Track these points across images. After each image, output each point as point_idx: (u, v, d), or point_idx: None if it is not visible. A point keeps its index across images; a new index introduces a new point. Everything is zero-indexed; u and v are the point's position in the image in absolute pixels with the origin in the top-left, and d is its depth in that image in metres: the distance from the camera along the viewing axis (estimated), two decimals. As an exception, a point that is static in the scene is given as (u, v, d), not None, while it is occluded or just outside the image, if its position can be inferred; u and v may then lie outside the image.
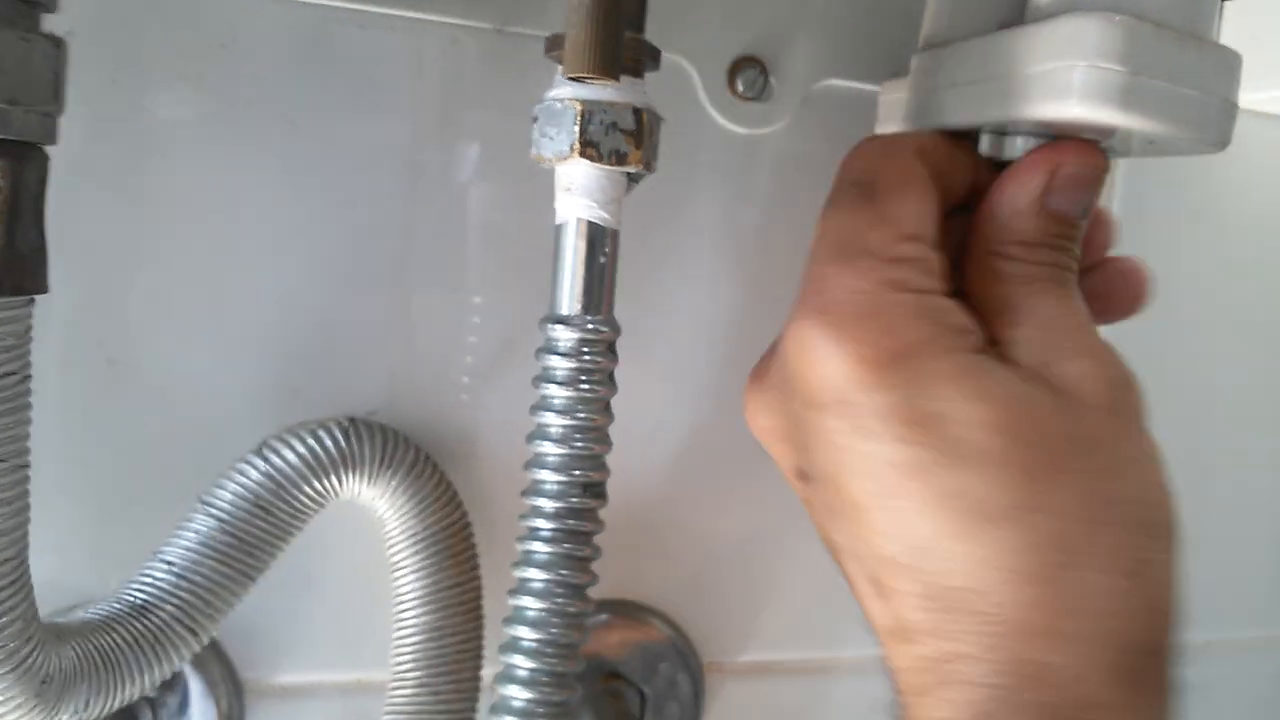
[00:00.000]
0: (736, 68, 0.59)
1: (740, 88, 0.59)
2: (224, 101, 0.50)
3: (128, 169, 0.49)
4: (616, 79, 0.40)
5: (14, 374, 0.37)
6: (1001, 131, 0.50)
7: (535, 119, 0.44)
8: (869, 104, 0.59)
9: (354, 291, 0.54)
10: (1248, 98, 0.47)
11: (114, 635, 0.41)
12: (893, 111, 0.56)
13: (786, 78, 0.59)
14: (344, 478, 0.48)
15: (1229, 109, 0.45)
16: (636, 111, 0.43)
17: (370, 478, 0.49)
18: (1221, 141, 0.45)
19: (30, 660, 0.37)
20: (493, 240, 0.56)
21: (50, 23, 0.38)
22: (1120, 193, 0.68)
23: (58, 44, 0.37)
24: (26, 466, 0.38)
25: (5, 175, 0.36)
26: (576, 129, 0.43)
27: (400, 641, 0.50)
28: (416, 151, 0.54)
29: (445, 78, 0.54)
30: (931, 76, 0.52)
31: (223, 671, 0.51)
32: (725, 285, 0.60)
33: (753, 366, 0.48)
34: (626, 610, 0.58)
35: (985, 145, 0.51)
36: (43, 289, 0.38)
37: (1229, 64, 0.45)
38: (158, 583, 0.43)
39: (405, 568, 0.50)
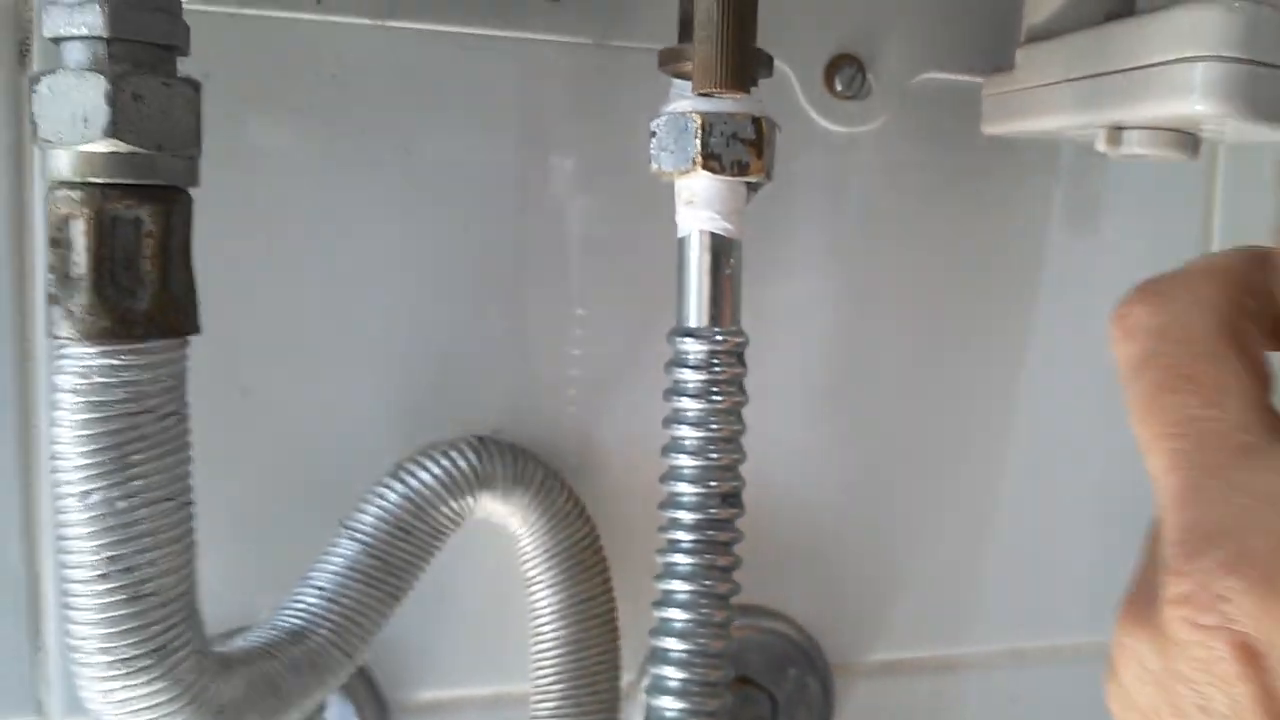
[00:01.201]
0: (834, 66, 0.58)
1: (838, 86, 0.58)
2: (337, 131, 0.51)
3: (249, 201, 0.50)
4: (748, 92, 0.40)
5: (174, 414, 0.38)
6: (1119, 127, 0.49)
7: (653, 133, 0.45)
8: (970, 96, 0.58)
9: (471, 311, 0.54)
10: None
11: (275, 661, 0.42)
12: (999, 108, 0.56)
13: (884, 74, 0.59)
14: (478, 496, 0.49)
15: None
16: (755, 121, 0.44)
17: (503, 495, 0.49)
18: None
19: (206, 691, 0.38)
20: (595, 252, 0.56)
21: (184, 65, 0.39)
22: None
23: (196, 88, 0.38)
24: (191, 504, 0.39)
25: (155, 220, 0.37)
26: (698, 142, 0.43)
27: (540, 655, 0.51)
28: (524, 168, 0.54)
29: (548, 94, 0.54)
30: (1039, 72, 0.52)
31: (368, 692, 0.52)
32: (830, 286, 0.60)
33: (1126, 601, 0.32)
34: (753, 614, 0.59)
35: (1100, 144, 0.50)
36: (196, 329, 0.39)
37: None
38: (310, 608, 0.45)
39: (540, 582, 0.50)
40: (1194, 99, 0.43)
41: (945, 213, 0.62)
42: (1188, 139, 0.50)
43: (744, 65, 0.37)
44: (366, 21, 0.50)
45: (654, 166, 0.45)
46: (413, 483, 0.48)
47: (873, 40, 0.59)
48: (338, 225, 0.52)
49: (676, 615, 0.43)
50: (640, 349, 0.57)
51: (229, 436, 0.50)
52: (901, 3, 0.59)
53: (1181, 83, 0.44)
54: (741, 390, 0.46)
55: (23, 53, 0.47)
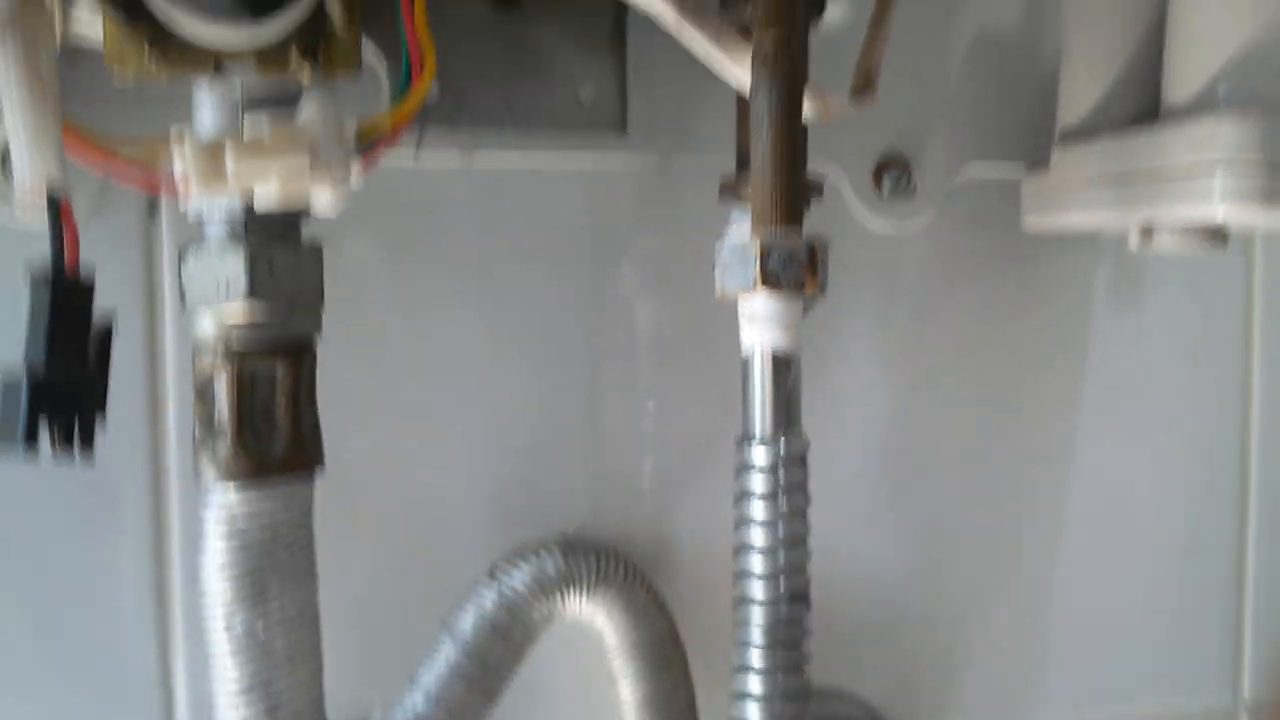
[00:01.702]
0: (881, 169, 0.62)
1: (886, 187, 0.62)
2: (425, 259, 0.56)
3: (352, 328, 0.55)
4: (800, 224, 0.44)
5: (304, 543, 0.42)
6: (1150, 226, 0.53)
7: (716, 256, 0.49)
8: (1013, 188, 0.62)
9: (551, 417, 0.59)
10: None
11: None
12: (1038, 204, 0.59)
13: (929, 171, 0.63)
14: (566, 596, 0.53)
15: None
16: (811, 245, 0.48)
17: (589, 593, 0.53)
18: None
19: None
20: (664, 355, 0.60)
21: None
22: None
23: (318, 249, 0.42)
24: (319, 620, 0.43)
25: (288, 373, 0.41)
26: (757, 266, 0.47)
27: (629, 745, 0.54)
28: (596, 283, 0.59)
29: (617, 213, 0.59)
30: (1074, 171, 0.56)
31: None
32: (885, 378, 0.64)
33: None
34: (821, 697, 0.61)
35: (1133, 242, 0.53)
36: (322, 463, 0.43)
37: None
38: (417, 708, 0.48)
39: (625, 676, 0.54)
40: (1215, 204, 0.46)
41: (993, 302, 0.65)
42: (1216, 233, 0.54)
43: (796, 203, 0.41)
44: (454, 166, 0.55)
45: (718, 287, 0.49)
46: (505, 586, 0.52)
47: (917, 141, 0.62)
48: (429, 346, 0.56)
49: (752, 713, 0.46)
50: (709, 446, 0.60)
51: (339, 545, 0.55)
52: (943, 104, 0.62)
53: (1204, 189, 0.47)
54: (806, 493, 0.49)
55: (152, 208, 0.52)
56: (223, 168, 0.29)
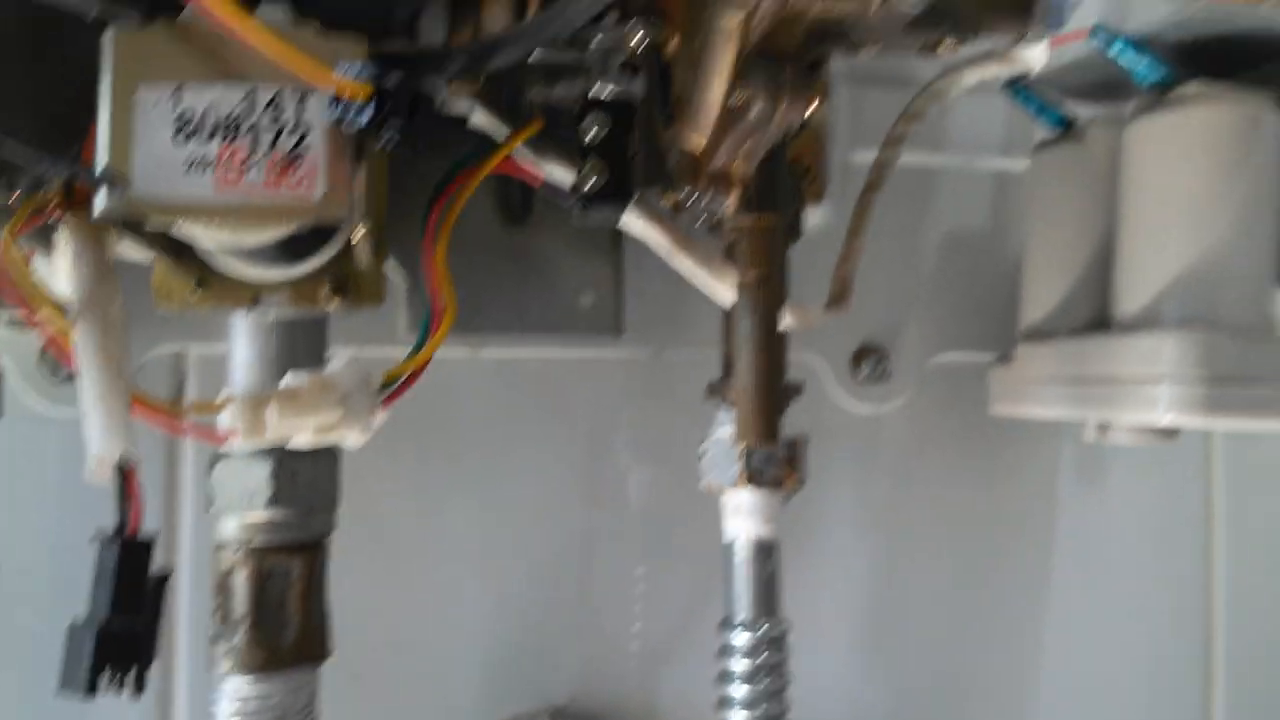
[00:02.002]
0: (859, 356, 0.67)
1: (863, 373, 0.67)
2: (432, 441, 0.60)
3: (360, 506, 0.58)
4: (776, 438, 0.47)
5: (313, 724, 0.45)
6: (1104, 424, 0.57)
7: (703, 454, 0.53)
8: (981, 374, 0.66)
9: (547, 592, 0.62)
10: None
11: None
12: (1003, 394, 0.63)
13: (904, 358, 0.67)
14: (559, 769, 0.55)
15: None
16: (790, 444, 0.51)
17: (581, 766, 0.55)
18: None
19: None
20: (653, 531, 0.64)
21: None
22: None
23: (336, 455, 0.46)
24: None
25: (303, 570, 0.44)
26: (741, 464, 0.51)
27: None
28: (591, 465, 0.63)
29: (613, 396, 0.63)
30: (1035, 368, 0.60)
31: None
32: (864, 552, 0.67)
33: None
34: None
35: (1090, 436, 0.58)
36: (330, 653, 0.46)
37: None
38: None
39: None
40: (1161, 413, 0.51)
41: (965, 478, 0.69)
42: (1167, 431, 0.57)
43: (774, 422, 0.45)
44: (462, 355, 0.59)
45: (703, 482, 0.52)
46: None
47: (892, 331, 0.67)
48: (433, 524, 0.60)
49: None
50: (697, 616, 0.63)
51: (341, 712, 0.57)
52: (916, 297, 0.67)
53: (1150, 398, 0.51)
54: (784, 674, 0.52)
55: (177, 398, 0.56)
56: (264, 423, 0.33)
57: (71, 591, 0.51)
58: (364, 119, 0.32)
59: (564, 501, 0.62)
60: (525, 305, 0.56)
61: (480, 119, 0.46)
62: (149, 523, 0.55)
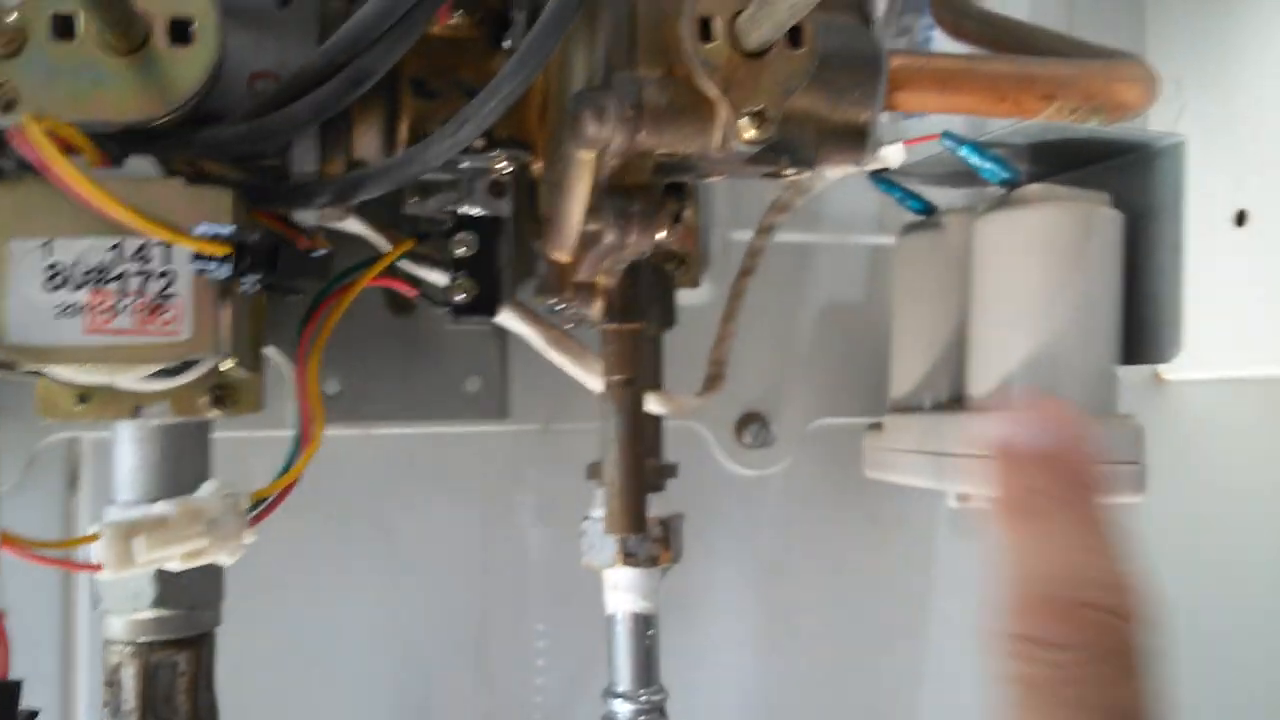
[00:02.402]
0: (742, 424, 0.70)
1: (746, 440, 0.70)
2: (328, 520, 0.62)
3: (251, 583, 0.60)
4: (643, 531, 0.51)
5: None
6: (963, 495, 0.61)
7: (583, 533, 0.56)
8: (858, 435, 0.70)
9: (444, 657, 0.64)
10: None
11: None
12: (875, 460, 0.67)
13: (785, 423, 0.71)
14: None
15: (1140, 472, 0.55)
16: (663, 523, 0.55)
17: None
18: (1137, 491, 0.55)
19: None
20: (551, 597, 0.66)
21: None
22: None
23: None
24: None
25: (189, 663, 0.47)
26: (617, 545, 0.54)
27: None
28: (486, 532, 0.65)
29: (505, 467, 0.66)
30: (901, 438, 0.64)
31: None
32: (747, 610, 0.70)
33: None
34: None
35: (952, 503, 0.62)
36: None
37: (1136, 435, 0.55)
38: None
39: None
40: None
41: (846, 533, 0.73)
42: (1023, 499, 0.62)
43: (639, 514, 0.48)
44: (355, 432, 0.61)
45: (583, 560, 0.55)
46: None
47: (773, 398, 0.71)
48: (329, 601, 0.62)
49: None
50: (598, 678, 0.66)
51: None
52: (795, 367, 0.71)
53: (985, 472, 0.55)
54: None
55: (72, 482, 0.58)
56: (132, 555, 0.35)
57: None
58: (223, 274, 0.35)
59: (461, 567, 0.65)
60: (414, 391, 0.59)
61: (358, 230, 0.49)
62: (46, 618, 0.57)
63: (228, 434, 0.50)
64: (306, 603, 0.62)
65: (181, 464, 0.47)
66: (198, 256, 0.35)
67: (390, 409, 0.59)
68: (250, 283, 0.35)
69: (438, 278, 0.50)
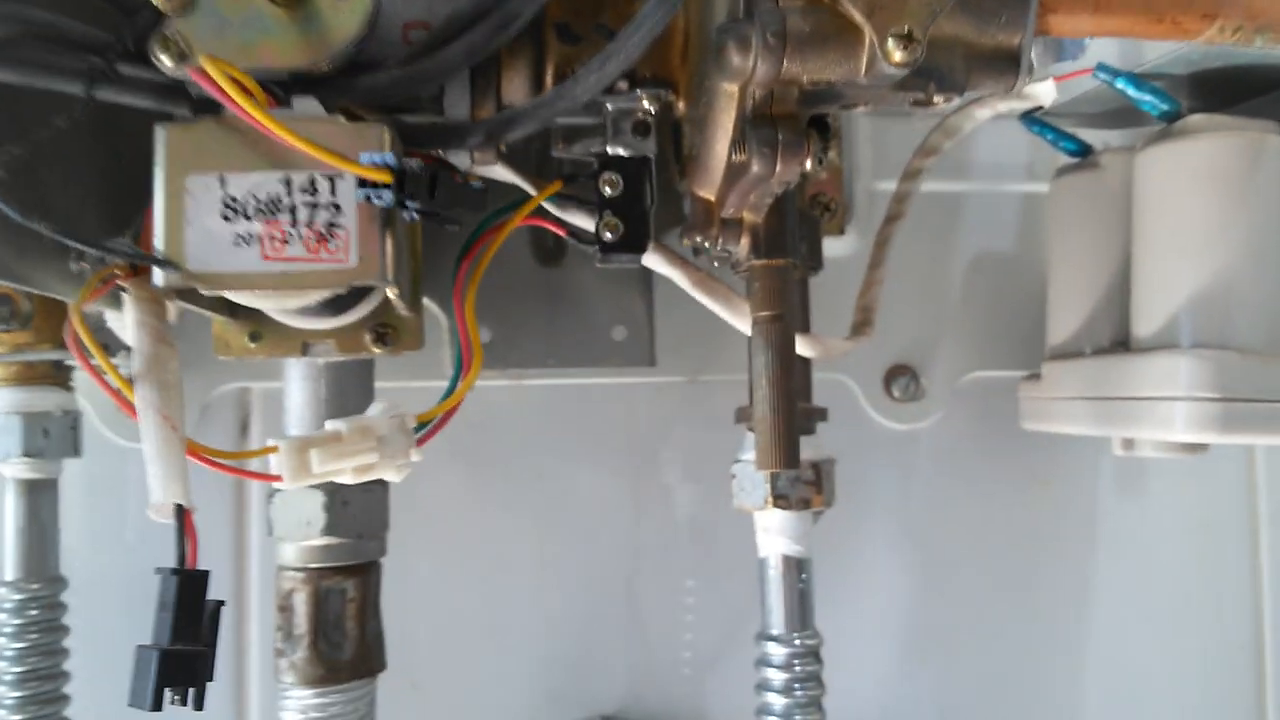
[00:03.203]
0: (890, 376, 0.69)
1: (895, 393, 0.69)
2: (484, 467, 0.64)
3: (412, 529, 0.63)
4: (798, 467, 0.50)
5: (367, 736, 0.49)
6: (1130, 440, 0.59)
7: (733, 476, 0.56)
8: (1013, 389, 0.68)
9: (597, 605, 0.66)
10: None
11: None
12: (1033, 411, 0.65)
13: (935, 377, 0.69)
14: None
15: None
16: (815, 466, 0.54)
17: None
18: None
19: None
20: (699, 543, 0.67)
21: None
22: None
23: (385, 486, 0.50)
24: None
25: (357, 590, 0.49)
26: (768, 486, 0.54)
27: None
28: (632, 478, 0.66)
29: (652, 420, 0.67)
30: (1061, 386, 0.62)
31: None
32: (901, 566, 0.69)
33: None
34: None
35: (1117, 450, 0.59)
36: (383, 667, 0.50)
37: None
38: None
39: None
40: (1179, 432, 0.52)
41: (1002, 489, 0.71)
42: (1193, 445, 0.59)
43: (791, 449, 0.48)
44: (507, 383, 0.63)
45: (735, 503, 0.56)
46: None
47: (923, 351, 0.69)
48: (486, 543, 0.64)
49: None
50: (744, 630, 0.66)
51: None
52: (944, 319, 0.69)
53: (1167, 418, 0.53)
54: (820, 683, 0.55)
55: (244, 429, 0.61)
56: (307, 467, 0.37)
57: (146, 607, 0.56)
58: (388, 199, 0.36)
59: (612, 517, 0.66)
60: (560, 340, 0.60)
61: (508, 176, 0.50)
62: (222, 549, 0.61)
63: (386, 384, 0.52)
64: (462, 547, 0.64)
65: (346, 399, 0.49)
66: (362, 184, 0.36)
67: (538, 356, 0.60)
68: (412, 209, 0.37)
69: (584, 223, 0.51)
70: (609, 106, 0.47)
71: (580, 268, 0.60)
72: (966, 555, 0.70)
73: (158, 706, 0.32)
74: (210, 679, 0.33)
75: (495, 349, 0.59)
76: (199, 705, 0.32)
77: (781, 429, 0.48)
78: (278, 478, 0.37)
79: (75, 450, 0.56)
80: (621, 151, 0.47)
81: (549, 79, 0.46)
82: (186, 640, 0.33)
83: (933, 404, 0.69)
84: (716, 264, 0.53)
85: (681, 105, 0.47)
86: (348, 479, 0.38)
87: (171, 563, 0.33)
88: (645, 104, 0.46)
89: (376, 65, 0.43)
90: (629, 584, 0.66)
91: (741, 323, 0.53)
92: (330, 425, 0.39)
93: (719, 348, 0.65)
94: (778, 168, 0.42)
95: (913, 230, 0.62)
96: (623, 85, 0.46)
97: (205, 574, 0.34)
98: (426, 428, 0.41)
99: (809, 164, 0.43)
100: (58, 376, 0.56)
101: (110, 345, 0.57)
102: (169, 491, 0.34)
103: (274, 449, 0.37)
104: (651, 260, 0.52)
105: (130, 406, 0.35)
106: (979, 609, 0.70)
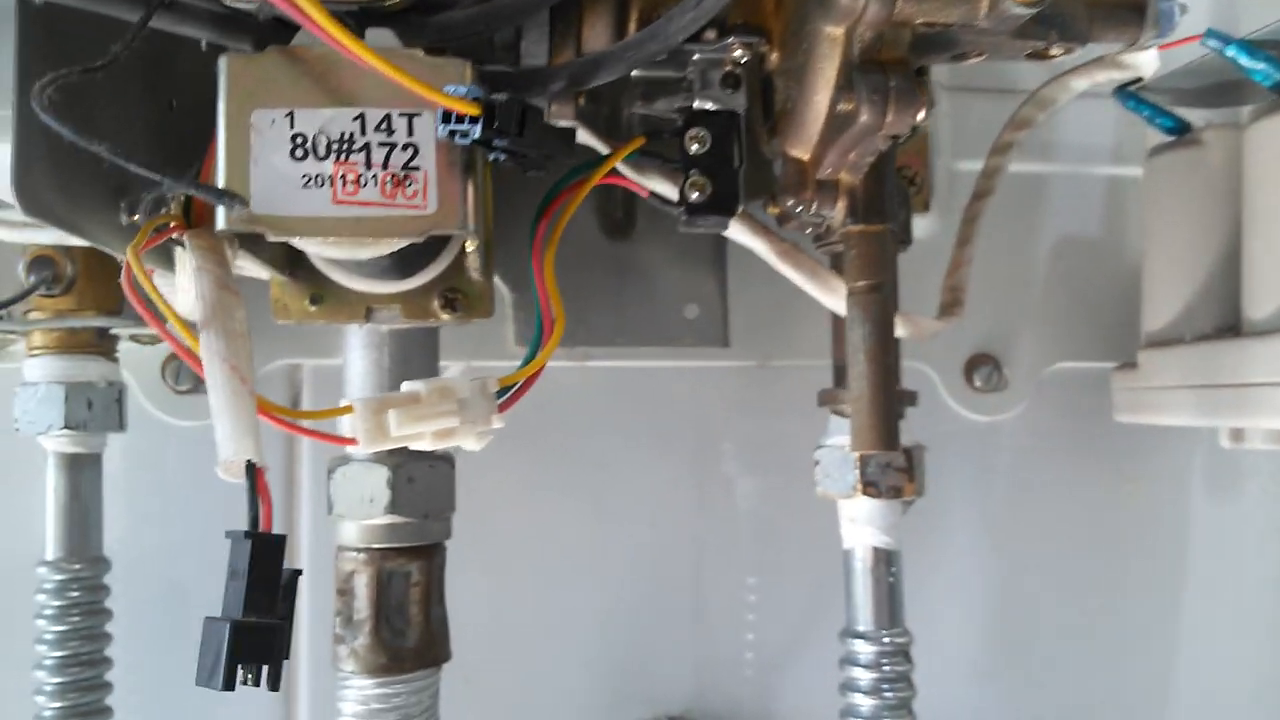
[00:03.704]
0: (971, 365, 0.66)
1: (977, 383, 0.65)
2: (539, 449, 0.61)
3: (469, 515, 0.60)
4: (897, 449, 0.47)
5: (427, 729, 0.46)
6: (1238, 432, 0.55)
7: (817, 462, 0.52)
8: (1101, 380, 0.64)
9: (658, 599, 0.62)
10: None
11: None
12: (1128, 402, 0.61)
13: (1019, 367, 0.66)
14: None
15: None
16: (906, 452, 0.51)
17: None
18: None
19: None
20: (765, 538, 0.64)
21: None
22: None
23: (451, 461, 0.47)
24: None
25: (421, 573, 0.46)
26: (857, 472, 0.50)
27: None
28: (700, 471, 0.63)
29: (720, 405, 0.63)
30: (1160, 374, 0.58)
31: None
32: (984, 561, 0.66)
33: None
34: None
35: (1225, 443, 0.55)
36: (449, 657, 0.47)
37: None
38: None
39: None
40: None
41: (1088, 485, 0.67)
42: (1308, 436, 0.55)
43: (892, 430, 0.45)
44: (571, 365, 0.60)
45: (819, 489, 0.52)
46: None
47: (1005, 339, 0.66)
48: (546, 532, 0.61)
49: None
50: (812, 625, 0.63)
51: (454, 716, 0.58)
52: (1028, 306, 0.66)
53: (1286, 404, 0.49)
54: (910, 685, 0.51)
55: (294, 406, 0.58)
56: (385, 428, 0.34)
57: (190, 591, 0.53)
58: (474, 134, 0.33)
59: (674, 508, 0.63)
60: (630, 317, 0.57)
61: (580, 137, 0.47)
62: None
63: (445, 362, 0.50)
64: (519, 536, 0.61)
65: (410, 372, 0.46)
66: (446, 119, 0.33)
67: (606, 334, 0.57)
68: (500, 147, 0.34)
69: (659, 187, 0.48)
70: (696, 57, 0.44)
71: (649, 242, 0.57)
72: (1050, 555, 0.66)
73: (230, 685, 0.28)
74: (286, 656, 0.30)
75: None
76: (274, 685, 0.29)
77: (880, 408, 0.44)
78: (353, 440, 0.34)
79: (120, 424, 0.54)
80: (709, 106, 0.44)
81: (632, 25, 0.43)
82: (260, 612, 0.30)
83: (1016, 395, 0.66)
84: (806, 233, 0.50)
85: (775, 56, 0.44)
86: (426, 444, 0.35)
87: (240, 528, 0.30)
88: (737, 53, 0.43)
89: (450, 4, 0.40)
90: (694, 577, 0.63)
91: (829, 297, 0.50)
92: (407, 386, 0.35)
93: (791, 331, 0.62)
94: (889, 117, 0.39)
95: (994, 213, 0.58)
96: (710, 34, 0.43)
97: (281, 538, 0.31)
98: (508, 393, 0.38)
99: (922, 113, 0.39)
100: (101, 345, 0.54)
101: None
102: (240, 447, 0.31)
103: (348, 409, 0.34)
104: (733, 229, 0.49)
105: (194, 358, 0.32)
106: (1063, 611, 0.66)
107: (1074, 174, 0.67)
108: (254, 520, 0.30)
